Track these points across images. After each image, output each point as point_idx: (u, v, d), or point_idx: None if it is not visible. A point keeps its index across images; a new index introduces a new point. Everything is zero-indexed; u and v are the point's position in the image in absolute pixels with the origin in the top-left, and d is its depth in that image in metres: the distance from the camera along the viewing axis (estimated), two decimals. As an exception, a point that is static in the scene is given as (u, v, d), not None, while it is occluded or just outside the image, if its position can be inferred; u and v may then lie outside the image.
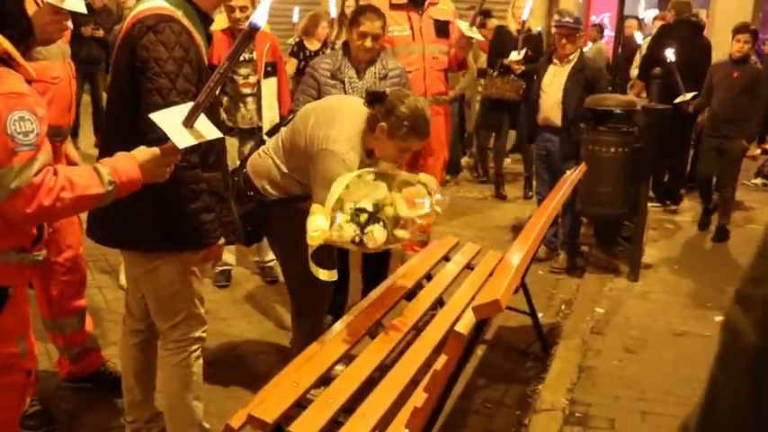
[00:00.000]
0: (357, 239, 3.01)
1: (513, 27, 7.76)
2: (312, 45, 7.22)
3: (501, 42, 7.68)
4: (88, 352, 3.75)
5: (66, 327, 3.63)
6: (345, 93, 4.21)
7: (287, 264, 3.78)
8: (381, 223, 3.02)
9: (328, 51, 7.19)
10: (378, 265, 4.53)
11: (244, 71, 5.07)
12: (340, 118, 3.38)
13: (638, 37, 9.36)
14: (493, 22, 8.63)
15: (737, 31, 6.92)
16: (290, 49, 7.45)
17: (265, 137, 3.78)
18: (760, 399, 0.73)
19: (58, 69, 3.26)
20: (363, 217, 3.02)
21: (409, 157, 3.78)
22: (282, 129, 3.63)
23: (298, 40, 7.53)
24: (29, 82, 2.09)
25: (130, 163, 2.23)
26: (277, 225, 3.64)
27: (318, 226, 3.02)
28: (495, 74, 7.75)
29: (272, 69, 5.16)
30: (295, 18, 8.05)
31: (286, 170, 3.52)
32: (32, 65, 2.95)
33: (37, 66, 3.00)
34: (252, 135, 5.15)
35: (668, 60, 6.38)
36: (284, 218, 3.55)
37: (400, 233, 3.05)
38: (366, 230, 3.00)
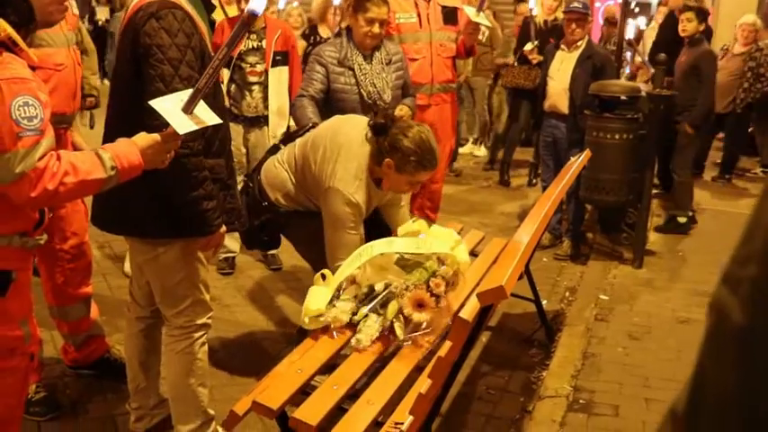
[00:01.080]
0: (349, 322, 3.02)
1: (540, 17, 7.77)
2: (324, 32, 7.18)
3: (526, 32, 7.69)
4: (92, 339, 3.76)
5: (72, 314, 3.64)
6: (356, 80, 4.17)
7: (312, 260, 3.76)
8: (378, 319, 3.00)
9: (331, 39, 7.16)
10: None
11: (251, 59, 5.04)
12: (346, 153, 3.35)
13: (642, 23, 9.33)
14: (525, 7, 8.64)
15: (681, 10, 6.67)
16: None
17: (281, 144, 3.76)
18: (747, 380, 0.73)
19: (62, 56, 3.26)
20: (362, 312, 3.01)
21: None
22: (298, 141, 3.61)
23: (311, 24, 7.50)
24: (32, 68, 2.09)
25: (132, 148, 2.24)
26: (295, 229, 3.67)
27: (317, 306, 3.03)
28: (516, 63, 7.81)
29: (282, 58, 5.11)
30: (281, 5, 7.99)
31: (298, 186, 3.53)
32: (35, 51, 2.95)
33: (39, 52, 3.00)
34: (257, 123, 5.14)
35: (627, 38, 6.35)
36: (301, 223, 3.59)
37: (398, 329, 3.00)
38: (361, 322, 2.99)
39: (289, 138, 3.78)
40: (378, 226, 3.92)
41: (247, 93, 5.08)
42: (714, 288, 0.80)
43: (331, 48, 4.28)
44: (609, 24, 9.36)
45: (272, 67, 5.06)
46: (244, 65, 5.03)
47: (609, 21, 9.41)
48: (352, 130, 3.45)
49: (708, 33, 7.81)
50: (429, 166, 3.34)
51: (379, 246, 3.15)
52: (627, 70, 9.02)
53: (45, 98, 2.05)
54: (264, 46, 5.04)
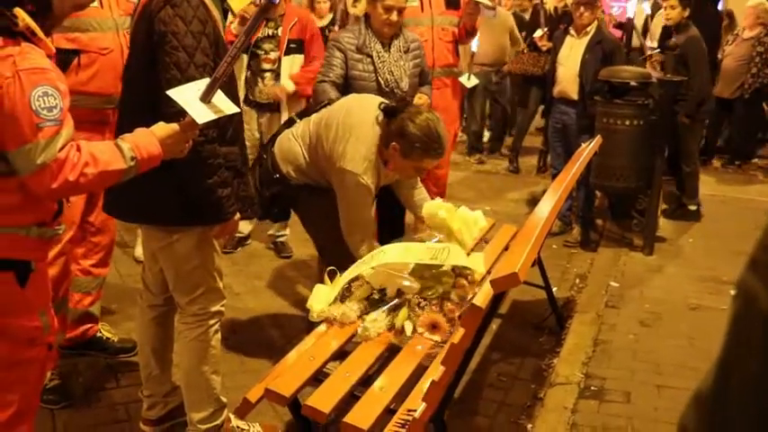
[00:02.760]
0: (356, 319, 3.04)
1: (551, 5, 7.76)
2: (319, 21, 7.04)
3: (536, 19, 7.67)
4: (88, 318, 3.79)
5: (83, 286, 3.70)
6: (374, 67, 4.15)
7: (317, 238, 3.80)
8: (387, 318, 3.02)
9: (336, 28, 7.09)
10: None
11: (267, 46, 5.06)
12: (357, 134, 3.37)
13: (646, 7, 9.25)
14: None
15: None
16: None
17: (296, 117, 3.78)
18: None
19: (109, 40, 3.38)
20: (371, 316, 3.03)
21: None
22: (313, 117, 3.62)
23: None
24: (52, 56, 2.09)
25: (150, 138, 2.24)
26: (304, 205, 3.68)
27: (320, 306, 3.06)
28: (526, 50, 7.79)
29: (297, 47, 5.11)
30: None
31: (310, 161, 3.55)
32: (81, 36, 3.22)
33: (85, 37, 3.28)
34: (269, 108, 5.15)
35: (626, 18, 6.32)
36: (311, 200, 3.60)
37: (408, 329, 3.02)
38: (368, 318, 3.00)
39: (304, 112, 3.80)
40: (390, 208, 3.95)
41: (260, 79, 5.10)
42: (740, 274, 0.79)
43: (349, 34, 4.25)
44: None
45: (286, 54, 5.06)
46: (259, 51, 5.06)
47: None
48: (364, 112, 3.47)
49: (716, 18, 7.75)
50: (434, 154, 3.37)
51: (393, 252, 3.16)
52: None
53: (64, 88, 2.05)
54: (280, 33, 5.04)
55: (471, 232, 3.37)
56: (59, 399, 3.41)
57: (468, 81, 7.47)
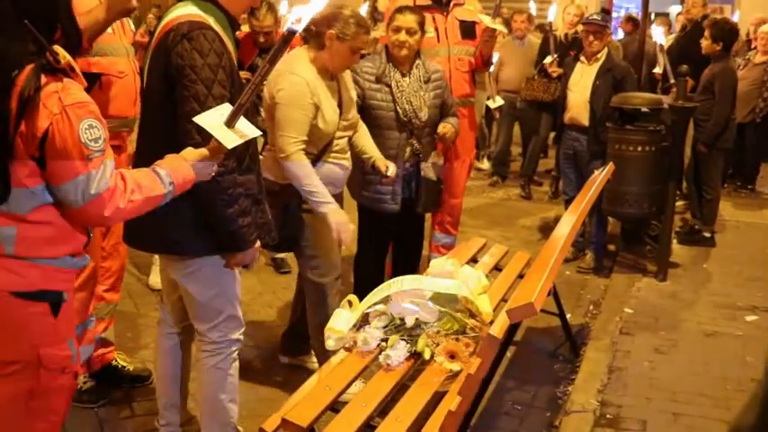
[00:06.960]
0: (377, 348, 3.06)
1: (561, 31, 7.79)
2: None
3: (546, 46, 7.71)
4: (103, 344, 3.78)
5: (98, 312, 3.69)
6: (393, 97, 4.19)
7: (303, 264, 3.80)
8: (407, 345, 3.04)
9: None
10: (406, 268, 4.51)
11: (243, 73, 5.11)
12: (287, 67, 3.50)
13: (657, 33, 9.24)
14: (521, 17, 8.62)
15: (706, 27, 6.73)
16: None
17: None
18: None
19: (123, 65, 3.49)
20: (392, 339, 3.04)
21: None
22: None
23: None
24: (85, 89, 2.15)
25: (183, 163, 2.33)
26: (303, 230, 3.69)
27: (339, 328, 3.09)
28: (536, 77, 7.82)
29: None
30: (283, 10, 7.79)
31: (270, 147, 3.64)
32: (101, 60, 3.33)
33: (105, 61, 3.39)
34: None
35: (656, 43, 6.43)
36: (312, 226, 3.62)
37: (426, 354, 3.05)
38: (389, 345, 3.02)
39: None
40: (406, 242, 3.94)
41: (260, 107, 5.14)
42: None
43: (369, 63, 4.27)
44: None
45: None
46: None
47: None
48: (288, 57, 3.60)
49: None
50: (366, 28, 3.61)
51: (410, 281, 3.18)
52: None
53: (102, 119, 2.12)
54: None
55: (475, 288, 3.40)
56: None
57: (494, 102, 7.46)
